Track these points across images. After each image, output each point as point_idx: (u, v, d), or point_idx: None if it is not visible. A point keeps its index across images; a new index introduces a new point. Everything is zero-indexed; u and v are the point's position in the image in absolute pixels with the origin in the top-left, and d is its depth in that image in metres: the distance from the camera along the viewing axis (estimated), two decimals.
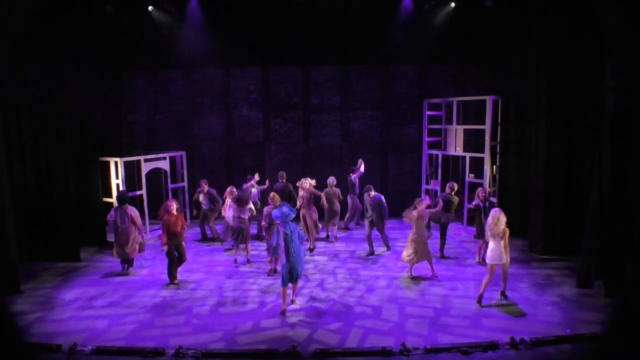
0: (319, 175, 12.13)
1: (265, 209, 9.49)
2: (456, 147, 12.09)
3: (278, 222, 7.81)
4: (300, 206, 10.80)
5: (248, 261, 10.00)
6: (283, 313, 7.49)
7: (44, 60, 9.77)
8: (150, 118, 14.36)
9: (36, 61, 9.71)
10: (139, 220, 9.34)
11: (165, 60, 13.64)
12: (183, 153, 13.14)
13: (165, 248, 8.72)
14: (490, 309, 7.57)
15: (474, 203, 9.60)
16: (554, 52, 9.62)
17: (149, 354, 6.27)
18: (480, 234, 9.42)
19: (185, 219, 12.83)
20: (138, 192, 11.69)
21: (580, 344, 6.37)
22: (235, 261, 9.97)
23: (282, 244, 7.58)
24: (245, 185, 11.37)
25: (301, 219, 10.85)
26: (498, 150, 11.79)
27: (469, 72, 13.98)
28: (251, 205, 10.11)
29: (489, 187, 11.52)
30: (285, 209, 7.74)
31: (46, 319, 7.45)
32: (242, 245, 10.02)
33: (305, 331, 6.95)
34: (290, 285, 7.74)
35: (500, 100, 11.61)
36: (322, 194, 11.16)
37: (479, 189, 9.79)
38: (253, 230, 11.45)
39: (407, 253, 9.01)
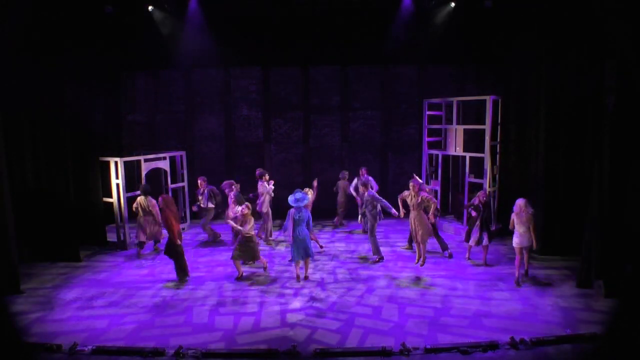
0: (319, 175, 12.15)
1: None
2: (456, 147, 12.08)
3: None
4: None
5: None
6: (297, 279, 8.83)
7: (44, 60, 9.76)
8: (150, 118, 14.36)
9: (36, 61, 9.71)
10: (155, 209, 10.26)
11: (165, 60, 13.64)
12: (183, 153, 13.14)
13: (179, 241, 8.78)
14: (490, 309, 7.58)
15: (474, 202, 9.57)
16: (554, 52, 9.62)
17: (149, 353, 6.27)
18: (470, 237, 9.53)
19: (186, 219, 12.90)
20: (138, 192, 11.68)
21: (580, 344, 6.37)
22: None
23: (290, 225, 8.68)
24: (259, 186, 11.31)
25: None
26: (498, 150, 11.79)
27: (469, 72, 14.00)
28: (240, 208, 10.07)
29: (489, 187, 11.51)
30: (299, 194, 8.86)
31: (46, 319, 7.45)
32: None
33: (305, 331, 6.95)
34: (302, 263, 8.93)
35: (500, 100, 11.61)
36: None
37: (480, 192, 9.75)
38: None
39: (420, 234, 9.27)
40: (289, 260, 9.69)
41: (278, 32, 13.30)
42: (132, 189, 11.59)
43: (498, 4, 11.56)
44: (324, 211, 12.83)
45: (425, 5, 12.84)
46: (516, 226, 8.48)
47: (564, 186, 9.89)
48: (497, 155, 11.79)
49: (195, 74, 14.18)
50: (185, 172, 13.13)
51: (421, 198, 9.37)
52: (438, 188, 12.56)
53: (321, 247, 10.82)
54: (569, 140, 9.75)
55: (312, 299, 8.12)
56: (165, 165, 12.35)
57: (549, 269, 9.33)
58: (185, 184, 13.04)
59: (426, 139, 12.94)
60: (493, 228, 9.70)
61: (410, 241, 10.72)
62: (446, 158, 12.80)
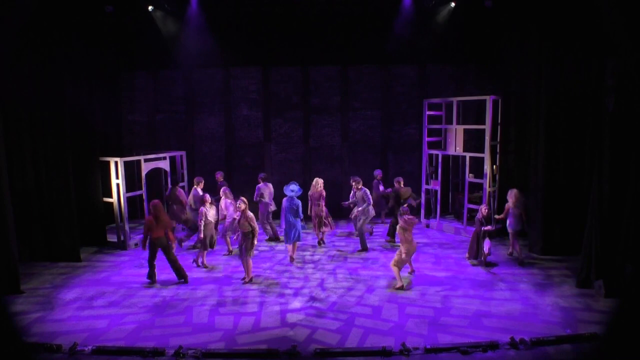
0: (319, 175, 12.13)
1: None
2: (456, 147, 12.09)
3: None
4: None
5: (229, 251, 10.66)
6: (291, 260, 9.93)
7: (43, 60, 9.77)
8: (150, 118, 14.36)
9: (36, 61, 9.71)
10: (182, 198, 11.29)
11: (165, 60, 13.65)
12: (183, 153, 13.14)
13: (144, 248, 8.95)
14: (490, 308, 7.58)
15: (478, 216, 9.58)
16: (554, 52, 9.62)
17: (149, 353, 6.28)
18: (476, 254, 9.54)
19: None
20: (138, 192, 11.70)
21: (580, 344, 6.37)
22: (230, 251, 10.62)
23: (282, 212, 10.11)
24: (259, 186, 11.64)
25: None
26: (498, 150, 11.79)
27: (469, 72, 14.00)
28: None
29: (489, 187, 11.52)
30: (293, 186, 10.06)
31: (46, 319, 7.45)
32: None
33: (305, 331, 6.95)
34: (294, 246, 10.05)
35: (500, 100, 11.61)
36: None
37: (483, 207, 9.67)
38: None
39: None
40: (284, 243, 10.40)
41: (278, 32, 13.30)
42: (132, 189, 11.59)
43: (498, 4, 11.56)
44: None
45: (426, 5, 12.85)
46: (512, 212, 9.61)
47: (563, 186, 9.90)
48: (497, 155, 11.79)
49: (195, 73, 14.17)
50: (185, 172, 13.13)
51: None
52: (438, 188, 12.56)
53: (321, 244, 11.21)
54: (568, 140, 9.76)
55: (312, 299, 8.12)
56: (165, 165, 12.35)
57: (549, 269, 9.33)
58: (185, 184, 13.04)
59: (426, 138, 12.94)
60: (492, 228, 9.70)
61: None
62: (446, 158, 12.80)
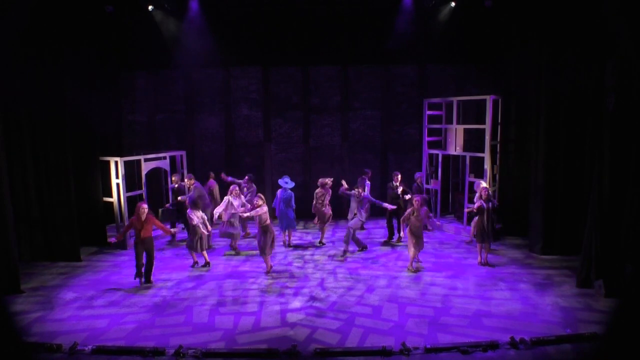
0: (319, 175, 12.14)
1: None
2: (456, 147, 12.09)
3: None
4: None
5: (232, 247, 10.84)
6: (284, 245, 11.04)
7: (43, 60, 9.77)
8: (150, 118, 14.36)
9: (36, 61, 9.71)
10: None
11: (165, 60, 13.64)
12: (183, 153, 13.13)
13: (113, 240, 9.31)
14: (491, 308, 7.58)
15: (476, 205, 9.56)
16: (553, 52, 9.62)
17: (149, 353, 6.28)
18: (481, 236, 9.43)
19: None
20: (138, 192, 11.69)
21: (580, 344, 6.37)
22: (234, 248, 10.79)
23: (276, 202, 11.02)
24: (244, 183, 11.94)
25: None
26: (498, 150, 11.79)
27: (469, 72, 13.99)
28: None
29: (489, 187, 11.50)
30: (287, 178, 11.05)
31: (46, 319, 7.45)
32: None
33: (305, 331, 6.95)
34: (287, 233, 11.12)
35: (500, 100, 11.61)
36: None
37: (482, 188, 9.74)
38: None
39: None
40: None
41: (278, 32, 13.30)
42: (132, 189, 11.59)
43: (498, 4, 11.57)
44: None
45: (426, 5, 12.85)
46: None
47: (564, 186, 9.90)
48: (497, 155, 11.79)
49: (195, 73, 14.16)
50: (185, 171, 13.12)
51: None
52: (438, 188, 12.55)
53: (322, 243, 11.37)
54: (569, 140, 9.76)
55: (312, 298, 8.12)
56: (165, 165, 12.35)
57: (549, 269, 9.33)
58: (185, 183, 13.01)
59: (426, 138, 12.94)
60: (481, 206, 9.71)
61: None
62: (446, 158, 12.79)
